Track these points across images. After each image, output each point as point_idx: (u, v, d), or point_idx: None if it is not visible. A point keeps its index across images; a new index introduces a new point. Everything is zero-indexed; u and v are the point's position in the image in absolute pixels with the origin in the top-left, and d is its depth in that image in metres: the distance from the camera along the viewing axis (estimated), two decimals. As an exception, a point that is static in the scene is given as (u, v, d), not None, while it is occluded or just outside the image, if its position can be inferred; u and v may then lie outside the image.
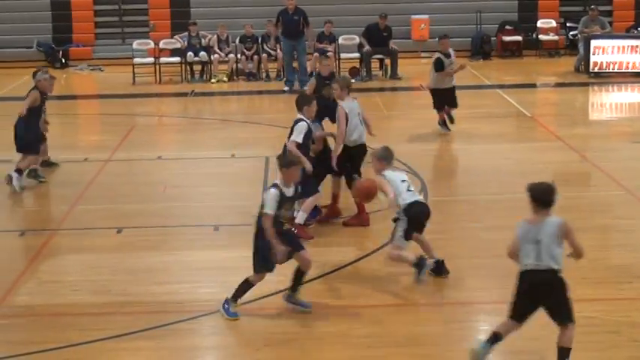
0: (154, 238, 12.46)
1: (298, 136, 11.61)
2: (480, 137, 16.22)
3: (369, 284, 10.37)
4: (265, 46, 25.50)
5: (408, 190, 10.33)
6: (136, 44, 26.51)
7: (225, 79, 25.24)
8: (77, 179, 15.22)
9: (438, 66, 17.04)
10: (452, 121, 17.15)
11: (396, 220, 10.27)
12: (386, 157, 10.52)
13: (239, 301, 9.57)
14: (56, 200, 14.73)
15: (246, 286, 9.55)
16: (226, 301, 9.56)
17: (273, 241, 9.19)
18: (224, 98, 23.89)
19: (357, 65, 25.48)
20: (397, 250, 10.27)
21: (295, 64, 23.94)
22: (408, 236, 10.24)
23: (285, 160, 9.62)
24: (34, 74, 15.00)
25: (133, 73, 25.18)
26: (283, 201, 9.30)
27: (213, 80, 25.29)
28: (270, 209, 9.21)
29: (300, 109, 11.81)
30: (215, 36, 25.88)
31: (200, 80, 25.55)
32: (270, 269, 9.50)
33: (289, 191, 9.40)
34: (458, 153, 16.30)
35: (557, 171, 15.20)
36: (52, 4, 29.03)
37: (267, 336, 9.13)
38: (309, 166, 11.37)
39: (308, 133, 11.71)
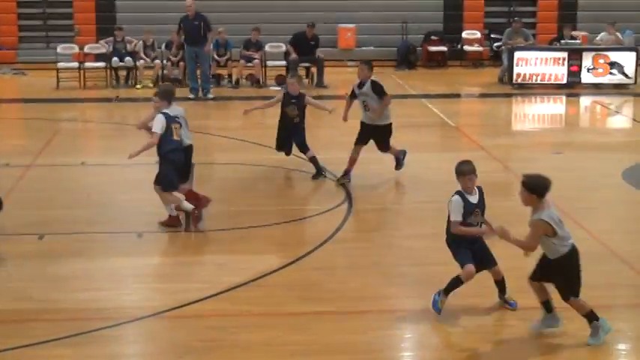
0: (76, 244, 12.33)
1: None
2: (406, 146, 16.28)
3: (294, 292, 10.37)
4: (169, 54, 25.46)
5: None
6: (60, 48, 26.24)
7: (150, 84, 25.09)
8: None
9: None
10: None
11: None
12: None
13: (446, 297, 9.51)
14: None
15: (456, 282, 9.52)
16: (439, 292, 9.53)
17: (475, 231, 9.40)
18: (149, 104, 23.70)
19: (283, 73, 25.50)
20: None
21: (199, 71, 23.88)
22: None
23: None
24: None
25: (57, 77, 24.92)
26: (468, 207, 9.39)
27: (138, 86, 25.14)
28: (455, 217, 9.36)
29: None
30: (141, 42, 25.73)
31: (125, 86, 25.39)
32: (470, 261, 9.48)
33: (473, 198, 9.53)
34: (383, 161, 16.37)
35: (480, 180, 15.28)
36: (-26, 6, 28.66)
37: (190, 344, 9.08)
38: None
39: None
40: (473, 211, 9.44)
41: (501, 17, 29.96)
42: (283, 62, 25.78)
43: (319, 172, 15.20)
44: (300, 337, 9.16)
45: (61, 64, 25.46)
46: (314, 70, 25.60)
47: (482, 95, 25.18)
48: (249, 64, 25.48)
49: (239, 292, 10.35)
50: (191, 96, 23.25)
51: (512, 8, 30.25)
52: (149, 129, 12.73)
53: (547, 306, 9.14)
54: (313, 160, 15.19)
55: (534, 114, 23.73)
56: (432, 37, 29.22)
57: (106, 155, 17.51)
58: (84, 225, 12.98)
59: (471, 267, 9.36)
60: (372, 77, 14.91)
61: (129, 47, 25.66)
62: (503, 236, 8.87)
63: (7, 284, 10.71)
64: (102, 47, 26.17)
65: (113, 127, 20.88)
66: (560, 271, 8.83)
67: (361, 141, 14.90)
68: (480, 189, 9.65)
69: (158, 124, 12.48)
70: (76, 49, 26.36)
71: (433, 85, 26.06)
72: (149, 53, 25.61)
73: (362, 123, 14.99)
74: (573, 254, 8.80)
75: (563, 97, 24.49)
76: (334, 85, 24.87)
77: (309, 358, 8.73)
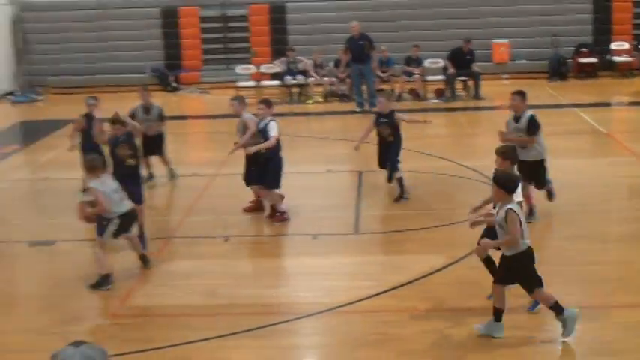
0: (257, 246, 12.57)
1: None
2: (559, 152, 15.96)
3: (454, 289, 10.27)
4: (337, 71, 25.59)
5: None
6: (239, 69, 26.82)
7: (320, 99, 25.34)
8: (188, 192, 15.44)
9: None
10: None
11: None
12: None
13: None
14: (170, 211, 14.94)
15: None
16: None
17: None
18: (320, 118, 23.95)
19: (442, 86, 25.34)
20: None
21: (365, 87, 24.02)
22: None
23: None
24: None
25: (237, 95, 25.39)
26: None
27: (309, 101, 25.41)
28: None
29: None
30: (311, 61, 26.03)
31: (297, 101, 25.69)
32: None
33: None
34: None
35: (630, 185, 14.90)
36: (164, 34, 29.48)
37: (364, 337, 9.11)
38: None
39: None
40: None
41: (649, 29, 29.04)
42: (442, 76, 25.62)
43: (401, 195, 14.24)
44: (463, 330, 9.07)
45: (240, 83, 26.03)
46: (471, 83, 25.35)
47: (633, 103, 24.39)
48: (410, 79, 25.43)
49: (404, 289, 10.35)
50: (357, 109, 23.39)
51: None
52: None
53: (498, 315, 8.83)
54: (400, 181, 14.27)
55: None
56: (582, 50, 28.52)
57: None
58: (264, 228, 13.21)
59: None
60: (530, 112, 12.43)
61: (300, 66, 25.99)
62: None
63: (199, 282, 10.98)
64: (276, 67, 26.60)
65: (287, 139, 21.08)
66: (521, 267, 8.63)
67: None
68: None
69: (275, 128, 13.03)
70: (253, 69, 26.89)
71: (584, 94, 25.39)
72: (318, 71, 25.88)
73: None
74: (531, 251, 8.63)
75: None
76: (490, 97, 24.56)
77: (471, 351, 8.65)
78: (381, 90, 25.21)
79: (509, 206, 8.49)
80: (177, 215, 14.26)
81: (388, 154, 14.28)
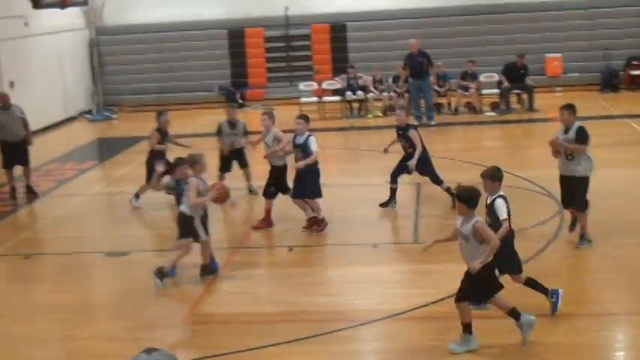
0: (320, 255, 12.56)
1: None
2: (611, 163, 15.71)
3: (514, 296, 10.15)
4: (396, 87, 25.52)
5: None
6: (302, 86, 26.89)
7: (379, 114, 25.29)
8: (252, 203, 15.52)
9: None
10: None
11: None
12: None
13: None
14: (236, 222, 14.99)
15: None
16: None
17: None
18: (379, 131, 23.87)
19: (497, 100, 25.12)
20: None
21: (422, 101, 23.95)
22: None
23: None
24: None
25: (300, 111, 25.45)
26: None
27: (369, 116, 25.37)
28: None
29: None
30: (370, 77, 26.01)
31: (358, 116, 25.66)
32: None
33: None
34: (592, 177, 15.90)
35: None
36: (230, 54, 29.71)
37: (423, 342, 9.04)
38: None
39: None
40: None
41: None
42: (497, 90, 25.38)
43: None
44: (519, 337, 8.93)
45: (303, 99, 26.08)
46: (525, 96, 25.08)
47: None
48: (466, 93, 25.25)
49: (462, 296, 10.24)
50: (415, 123, 23.26)
51: None
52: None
53: (468, 328, 8.72)
54: (448, 190, 14.11)
55: None
56: (633, 62, 28.07)
57: (343, 177, 17.73)
58: (326, 238, 13.19)
59: None
60: (580, 123, 11.95)
61: (360, 82, 25.96)
62: (476, 268, 8.53)
63: (264, 290, 11.01)
64: (337, 83, 26.60)
65: (348, 152, 21.15)
66: (489, 274, 8.62)
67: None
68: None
69: (315, 143, 13.33)
70: (315, 86, 26.94)
71: (636, 105, 24.93)
72: (378, 87, 25.84)
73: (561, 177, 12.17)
74: (492, 263, 8.60)
75: None
76: (543, 109, 24.25)
77: (530, 356, 8.53)
78: (440, 104, 25.24)
79: (475, 219, 8.52)
80: (243, 226, 14.31)
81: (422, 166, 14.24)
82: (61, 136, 25.32)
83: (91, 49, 29.63)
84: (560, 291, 9.53)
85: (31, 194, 17.17)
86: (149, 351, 5.46)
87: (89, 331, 10.05)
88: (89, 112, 28.85)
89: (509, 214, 9.15)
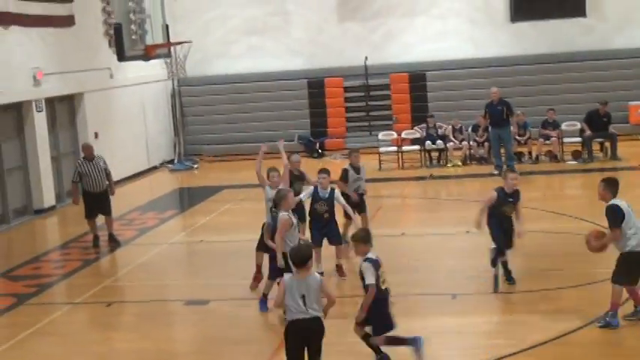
0: (399, 305, 12.46)
1: None
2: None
3: (592, 349, 9.95)
4: (475, 136, 25.45)
5: None
6: (381, 135, 26.98)
7: (459, 163, 25.21)
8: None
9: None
10: None
11: None
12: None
13: None
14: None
15: None
16: None
17: None
18: (459, 181, 23.79)
19: (579, 148, 24.85)
20: None
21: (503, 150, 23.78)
22: None
23: None
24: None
25: (379, 160, 25.56)
26: None
27: (449, 165, 25.32)
28: None
29: None
30: (450, 126, 26.00)
31: (437, 165, 25.62)
32: None
33: None
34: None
35: None
36: (310, 103, 30.02)
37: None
38: None
39: None
40: None
41: None
42: (579, 139, 25.12)
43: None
44: None
45: (382, 149, 26.15)
46: (607, 144, 24.77)
47: None
48: (547, 142, 25.05)
49: (541, 349, 10.13)
50: (495, 172, 23.10)
51: None
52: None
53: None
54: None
55: None
56: None
57: (422, 226, 17.70)
58: (404, 287, 13.10)
59: None
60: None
61: (440, 131, 25.98)
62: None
63: (341, 340, 10.96)
64: (416, 132, 26.63)
65: (428, 202, 21.10)
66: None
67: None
68: None
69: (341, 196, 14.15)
70: (395, 135, 27.00)
71: None
72: (457, 136, 25.80)
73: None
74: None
75: None
76: (627, 158, 23.93)
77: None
78: (520, 153, 25.04)
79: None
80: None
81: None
82: (143, 186, 25.82)
83: (173, 99, 30.25)
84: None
85: (114, 243, 17.54)
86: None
87: (168, 378, 10.16)
88: (171, 161, 29.38)
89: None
